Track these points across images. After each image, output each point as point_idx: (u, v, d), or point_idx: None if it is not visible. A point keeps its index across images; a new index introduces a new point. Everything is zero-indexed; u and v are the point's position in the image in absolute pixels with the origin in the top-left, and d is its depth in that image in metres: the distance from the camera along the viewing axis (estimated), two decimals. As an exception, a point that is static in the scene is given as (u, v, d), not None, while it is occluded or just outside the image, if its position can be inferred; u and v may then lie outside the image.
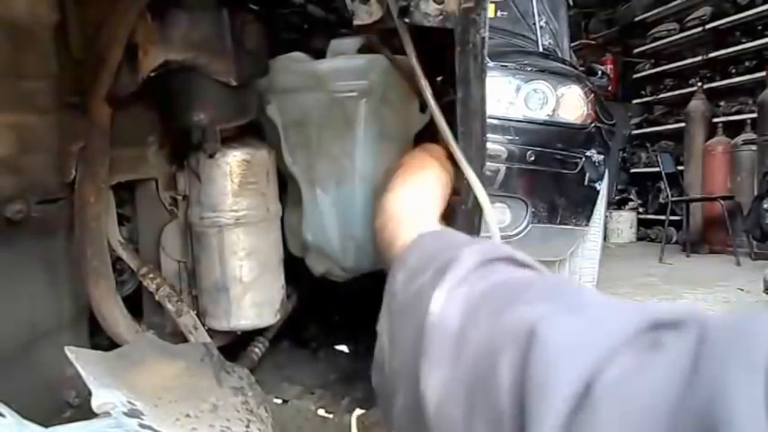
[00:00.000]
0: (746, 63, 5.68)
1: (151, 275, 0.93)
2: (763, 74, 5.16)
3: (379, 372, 0.50)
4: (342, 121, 0.89)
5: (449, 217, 0.69)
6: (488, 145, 0.73)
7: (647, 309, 0.33)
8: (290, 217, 1.02)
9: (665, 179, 5.50)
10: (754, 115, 5.11)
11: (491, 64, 2.29)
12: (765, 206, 4.18)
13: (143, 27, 0.79)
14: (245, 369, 0.93)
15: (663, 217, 5.62)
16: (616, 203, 6.76)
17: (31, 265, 0.81)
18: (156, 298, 0.93)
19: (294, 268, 1.03)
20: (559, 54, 3.16)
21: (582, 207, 2.48)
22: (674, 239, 5.98)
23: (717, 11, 5.87)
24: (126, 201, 0.99)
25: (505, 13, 3.14)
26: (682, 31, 6.27)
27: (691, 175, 5.78)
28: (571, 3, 3.70)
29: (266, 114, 0.96)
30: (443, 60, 0.73)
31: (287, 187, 1.02)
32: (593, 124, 2.51)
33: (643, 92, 7.03)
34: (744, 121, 5.40)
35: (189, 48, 0.81)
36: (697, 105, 5.82)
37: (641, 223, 6.75)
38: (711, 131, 5.72)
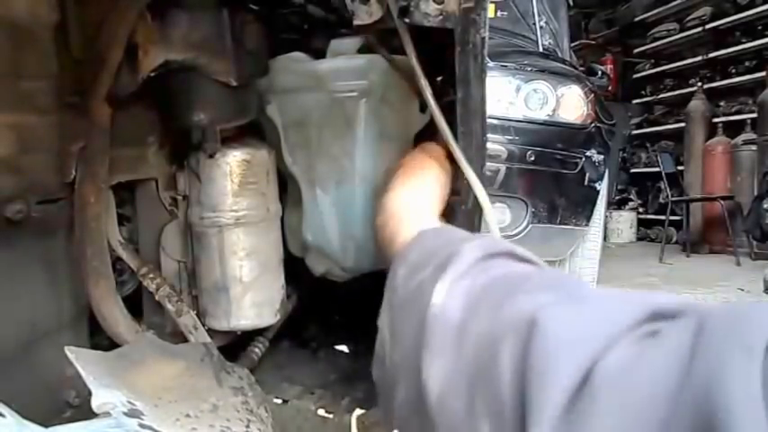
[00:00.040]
0: (746, 63, 5.68)
1: (151, 275, 0.93)
2: (763, 74, 5.16)
3: (380, 366, 0.50)
4: (342, 121, 0.89)
5: (449, 217, 0.69)
6: (488, 145, 0.73)
7: (645, 299, 0.33)
8: (290, 217, 1.02)
9: (665, 179, 5.50)
10: (754, 115, 5.11)
11: (491, 64, 2.29)
12: (765, 206, 4.18)
13: (143, 27, 0.79)
14: (245, 369, 0.93)
15: (663, 217, 5.61)
16: (616, 203, 6.76)
17: (31, 265, 0.81)
18: (156, 298, 0.93)
19: (294, 268, 1.03)
20: (559, 54, 3.16)
21: (582, 207, 2.48)
22: (674, 239, 5.98)
23: (717, 11, 5.87)
24: (126, 201, 0.99)
25: (505, 13, 3.14)
26: (682, 31, 6.27)
27: (691, 175, 5.77)
28: (571, 3, 3.70)
29: (266, 114, 0.96)
30: (443, 60, 0.73)
31: (287, 187, 1.02)
32: (593, 124, 2.51)
33: (643, 92, 7.03)
34: (744, 121, 5.40)
35: (189, 48, 0.81)
36: (697, 105, 5.82)
37: (641, 223, 6.74)
38: (711, 131, 5.72)
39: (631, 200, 6.98)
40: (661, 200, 6.33)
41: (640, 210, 6.86)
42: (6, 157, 0.73)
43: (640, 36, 6.87)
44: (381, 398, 0.50)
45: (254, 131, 0.97)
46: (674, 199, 5.44)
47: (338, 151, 0.91)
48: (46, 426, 0.57)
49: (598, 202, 2.56)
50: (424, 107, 0.86)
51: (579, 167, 2.43)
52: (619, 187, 6.86)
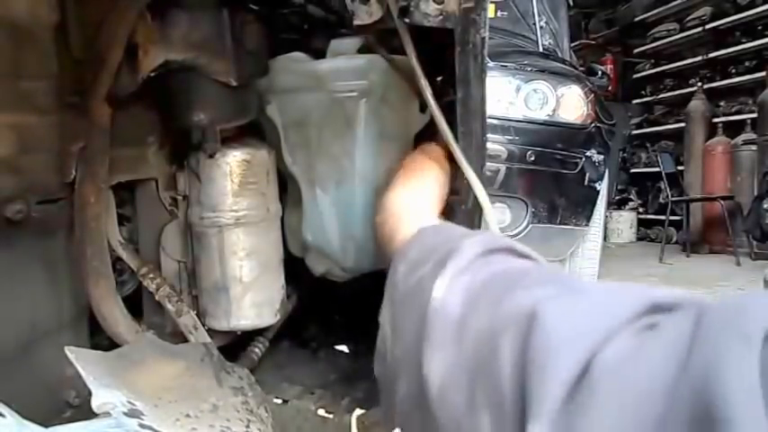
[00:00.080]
0: (746, 63, 5.68)
1: (151, 275, 0.93)
2: (763, 74, 5.16)
3: (381, 361, 0.50)
4: (342, 121, 0.89)
5: (449, 217, 0.69)
6: (488, 145, 0.73)
7: (644, 293, 0.33)
8: (290, 217, 1.02)
9: (665, 179, 5.50)
10: (754, 115, 5.11)
11: (491, 64, 2.29)
12: (765, 206, 4.18)
13: (143, 27, 0.79)
14: (245, 369, 0.93)
15: (663, 217, 5.61)
16: (616, 203, 6.75)
17: (31, 265, 0.81)
18: (156, 298, 0.93)
19: (294, 268, 1.03)
20: (559, 54, 3.16)
21: (582, 207, 2.48)
22: (674, 239, 5.98)
23: (717, 11, 5.87)
24: (126, 201, 0.99)
25: (505, 13, 3.14)
26: (682, 31, 6.27)
27: (691, 175, 5.77)
28: (571, 3, 3.70)
29: (266, 114, 0.96)
30: (443, 60, 0.73)
31: (287, 187, 1.02)
32: (593, 124, 2.51)
33: (643, 92, 7.03)
34: (744, 121, 5.40)
35: (189, 48, 0.81)
36: (697, 105, 5.82)
37: (641, 223, 6.74)
38: (711, 131, 5.71)
39: (631, 200, 6.97)
40: (661, 200, 6.33)
41: (640, 210, 6.86)
42: (6, 157, 0.73)
43: (640, 36, 6.87)
44: (383, 393, 0.51)
45: (254, 131, 0.97)
46: (674, 199, 5.44)
47: (338, 151, 0.91)
48: (46, 426, 0.57)
49: (598, 202, 2.56)
50: (424, 107, 0.86)
51: (579, 167, 2.43)
52: (619, 187, 6.86)
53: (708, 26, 5.90)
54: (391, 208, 0.63)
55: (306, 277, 1.05)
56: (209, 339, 0.93)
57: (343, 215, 0.93)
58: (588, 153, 2.46)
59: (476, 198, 0.67)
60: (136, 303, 0.97)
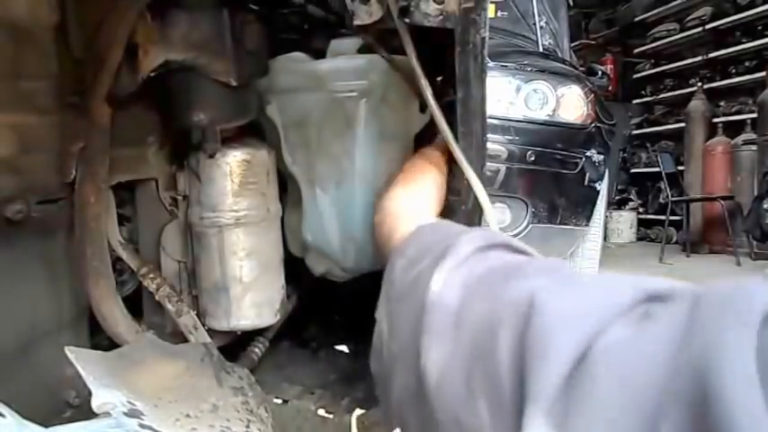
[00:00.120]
0: (746, 63, 5.68)
1: (151, 275, 0.93)
2: (763, 74, 5.16)
3: (377, 358, 0.51)
4: (342, 121, 0.89)
5: (448, 217, 0.70)
6: (488, 145, 0.73)
7: (641, 282, 0.34)
8: (290, 217, 1.02)
9: (665, 179, 5.51)
10: (754, 115, 5.11)
11: (491, 64, 2.29)
12: (765, 206, 4.19)
13: (143, 27, 0.79)
14: (245, 369, 0.93)
15: (663, 217, 5.62)
16: (616, 203, 6.75)
17: (31, 265, 0.81)
18: (156, 298, 0.93)
19: (294, 268, 1.03)
20: (559, 54, 3.16)
21: (582, 207, 2.48)
22: (674, 239, 5.98)
23: (717, 11, 5.87)
24: (126, 201, 0.99)
25: (505, 13, 3.14)
26: (682, 31, 6.27)
27: (691, 175, 5.78)
28: (571, 3, 3.70)
29: (266, 114, 0.96)
30: (443, 60, 0.73)
31: (287, 187, 1.02)
32: (593, 124, 2.51)
33: (643, 92, 7.03)
34: (744, 121, 5.40)
35: (189, 48, 0.81)
36: (697, 105, 5.82)
37: (641, 223, 6.74)
38: (711, 131, 5.72)
39: (631, 200, 6.98)
40: (661, 200, 6.33)
41: (640, 210, 6.86)
42: (6, 157, 0.73)
43: (640, 36, 6.87)
44: (379, 389, 0.51)
45: (254, 131, 0.97)
46: (674, 199, 5.45)
47: (338, 151, 0.91)
48: (46, 426, 0.57)
49: (598, 202, 2.56)
50: (424, 107, 0.86)
51: (579, 167, 2.43)
52: (619, 187, 6.86)
53: (708, 26, 5.90)
54: (389, 208, 0.63)
55: (306, 277, 1.05)
56: (209, 339, 0.93)
57: (342, 215, 0.93)
58: (588, 153, 2.46)
59: (476, 198, 0.67)
60: (136, 303, 0.97)
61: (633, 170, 7.08)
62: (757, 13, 5.40)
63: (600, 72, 3.36)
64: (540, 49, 2.97)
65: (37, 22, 0.76)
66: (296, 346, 1.17)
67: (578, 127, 2.47)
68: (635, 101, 7.10)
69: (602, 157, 2.51)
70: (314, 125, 0.92)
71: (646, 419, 0.26)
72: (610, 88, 4.62)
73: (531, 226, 2.37)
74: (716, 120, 5.76)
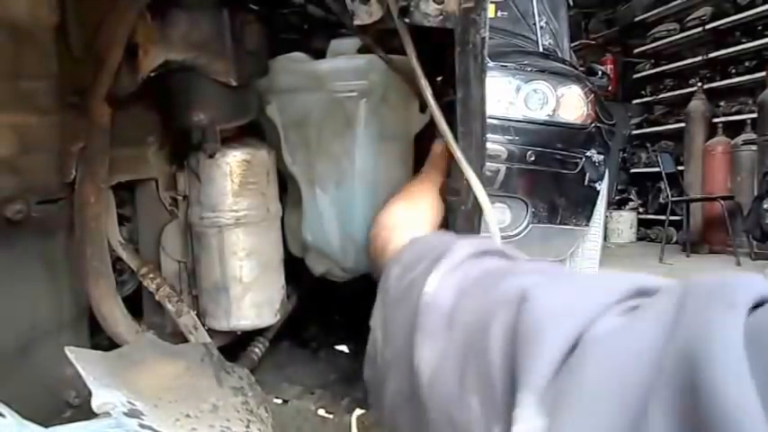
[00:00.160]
0: (746, 63, 5.69)
1: (151, 275, 0.93)
2: (763, 74, 5.17)
3: (371, 365, 0.51)
4: (342, 121, 0.89)
5: (448, 217, 0.70)
6: (488, 145, 0.73)
7: (630, 278, 0.35)
8: (290, 217, 1.02)
9: (665, 179, 5.51)
10: (754, 115, 5.12)
11: (491, 64, 2.29)
12: (765, 206, 4.19)
13: (143, 27, 0.79)
14: (245, 369, 0.93)
15: (663, 217, 5.62)
16: (616, 203, 6.76)
17: (31, 265, 0.81)
18: (156, 298, 0.93)
19: (294, 268, 1.03)
20: (559, 54, 3.16)
21: (582, 207, 2.48)
22: (674, 239, 5.99)
23: (717, 11, 5.87)
24: (126, 201, 0.99)
25: (505, 13, 3.15)
26: (682, 31, 6.28)
27: (691, 175, 5.78)
28: (571, 3, 3.70)
29: (266, 114, 0.96)
30: (443, 60, 0.73)
31: (287, 187, 1.02)
32: (593, 124, 2.51)
33: (643, 92, 7.03)
34: (744, 121, 5.40)
35: (189, 48, 0.81)
36: (697, 105, 5.83)
37: (641, 223, 6.75)
38: (711, 131, 5.72)
39: (631, 200, 6.98)
40: (661, 200, 6.33)
41: (640, 210, 6.87)
42: (6, 157, 0.73)
43: (640, 36, 6.87)
44: (372, 397, 0.51)
45: (254, 131, 0.97)
46: (674, 199, 5.45)
47: (338, 151, 0.91)
48: (46, 426, 0.57)
49: (598, 202, 2.56)
50: (424, 107, 0.86)
51: (579, 167, 2.43)
52: (619, 187, 6.86)
53: (708, 26, 5.91)
54: (384, 222, 0.65)
55: (306, 277, 1.05)
56: (209, 339, 0.93)
57: (342, 215, 0.93)
58: (588, 153, 2.46)
59: (476, 198, 0.67)
60: (136, 303, 0.97)
61: (633, 170, 7.08)
62: (757, 13, 5.40)
63: (600, 72, 3.36)
64: (540, 49, 2.97)
65: (37, 22, 0.76)
66: (296, 346, 1.17)
67: (578, 127, 2.47)
68: (635, 101, 7.10)
69: (602, 157, 2.51)
70: (314, 125, 0.92)
71: (635, 406, 0.26)
72: (610, 88, 4.62)
73: (531, 226, 2.37)
74: (716, 120, 5.76)
